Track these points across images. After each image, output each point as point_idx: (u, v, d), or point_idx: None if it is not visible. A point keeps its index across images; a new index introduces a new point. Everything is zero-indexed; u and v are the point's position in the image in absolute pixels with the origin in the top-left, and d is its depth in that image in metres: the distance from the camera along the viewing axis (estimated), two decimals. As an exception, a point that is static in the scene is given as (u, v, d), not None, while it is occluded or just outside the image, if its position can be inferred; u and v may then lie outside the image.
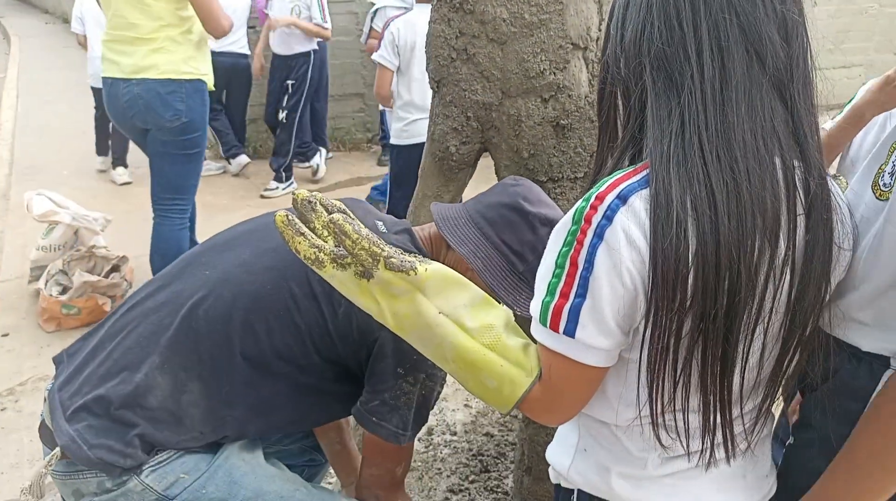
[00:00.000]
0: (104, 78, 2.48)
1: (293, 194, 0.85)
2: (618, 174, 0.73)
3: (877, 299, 0.83)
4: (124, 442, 1.02)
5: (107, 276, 2.91)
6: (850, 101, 1.72)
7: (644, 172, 0.72)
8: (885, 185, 0.87)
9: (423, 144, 1.66)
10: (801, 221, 0.71)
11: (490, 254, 1.15)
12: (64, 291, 2.81)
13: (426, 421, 1.18)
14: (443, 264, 1.02)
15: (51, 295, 2.76)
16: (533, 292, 0.86)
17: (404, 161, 3.15)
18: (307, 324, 1.08)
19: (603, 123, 0.85)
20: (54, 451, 1.03)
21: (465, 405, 2.40)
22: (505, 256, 1.15)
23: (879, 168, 0.90)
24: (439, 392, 1.17)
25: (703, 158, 0.68)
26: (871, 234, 0.84)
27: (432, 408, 1.18)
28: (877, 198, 0.87)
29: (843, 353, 0.86)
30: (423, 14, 2.73)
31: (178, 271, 1.16)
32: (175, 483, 1.04)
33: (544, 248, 0.97)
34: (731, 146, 0.69)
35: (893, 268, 0.80)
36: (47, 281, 2.83)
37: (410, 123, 3.14)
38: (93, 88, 4.85)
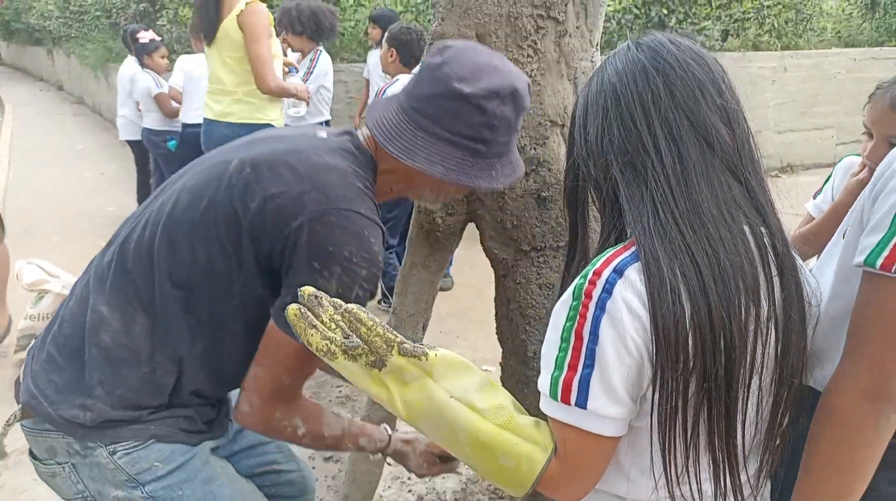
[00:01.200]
0: (205, 118, 3.19)
1: (300, 290, 0.89)
2: (609, 252, 0.79)
3: (825, 332, 0.89)
4: (86, 393, 1.04)
5: (95, 344, 2.89)
6: (829, 178, 1.82)
7: (633, 248, 0.78)
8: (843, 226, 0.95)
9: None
10: (776, 281, 0.79)
11: (447, 153, 1.05)
12: (51, 360, 2.78)
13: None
14: (393, 171, 1.12)
15: (37, 364, 2.73)
16: (504, 161, 1.05)
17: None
18: (226, 230, 1.03)
19: (576, 216, 0.95)
20: (15, 410, 1.09)
21: (456, 472, 2.38)
22: (463, 147, 1.06)
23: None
24: (363, 298, 1.05)
25: (680, 233, 0.76)
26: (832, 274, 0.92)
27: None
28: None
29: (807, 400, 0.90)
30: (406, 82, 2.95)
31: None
32: (147, 470, 1.06)
33: (500, 121, 1.06)
34: (702, 220, 0.76)
35: (841, 302, 0.87)
36: (34, 350, 2.81)
37: None
38: (129, 142, 5.06)
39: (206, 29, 3.02)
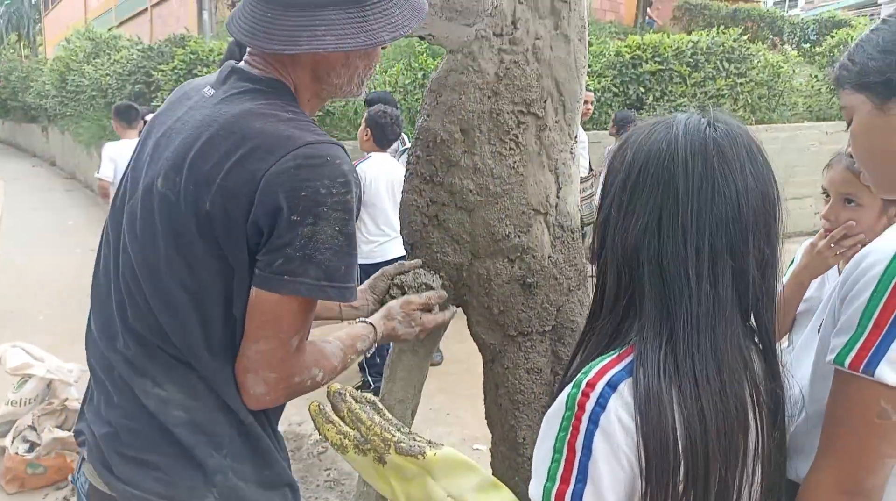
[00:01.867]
0: None
1: (328, 386, 0.91)
2: (603, 361, 0.79)
3: (805, 428, 0.91)
4: (202, 474, 1.00)
5: (77, 429, 2.83)
6: (792, 263, 1.87)
7: (629, 358, 0.78)
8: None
9: (393, 260, 1.75)
10: (768, 430, 0.80)
11: (329, 19, 0.94)
12: (32, 448, 2.72)
13: (350, 275, 0.99)
14: (295, 73, 1.03)
15: (16, 453, 2.67)
16: (397, 2, 0.97)
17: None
18: (205, 247, 0.96)
19: (600, 284, 0.87)
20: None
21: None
22: (343, 3, 0.95)
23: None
24: (351, 234, 0.97)
25: (694, 380, 0.75)
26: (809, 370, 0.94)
27: (352, 256, 0.99)
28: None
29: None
30: (381, 160, 3.57)
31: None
32: None
33: None
34: (719, 369, 0.76)
35: (819, 400, 0.88)
36: (14, 438, 2.75)
37: (380, 245, 3.60)
38: None
39: None
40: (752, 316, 0.81)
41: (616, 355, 0.80)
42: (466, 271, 1.56)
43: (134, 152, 1.12)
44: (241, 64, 1.05)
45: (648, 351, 0.75)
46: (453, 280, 1.59)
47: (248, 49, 1.06)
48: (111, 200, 1.16)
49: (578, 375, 0.78)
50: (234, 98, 1.00)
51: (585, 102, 5.09)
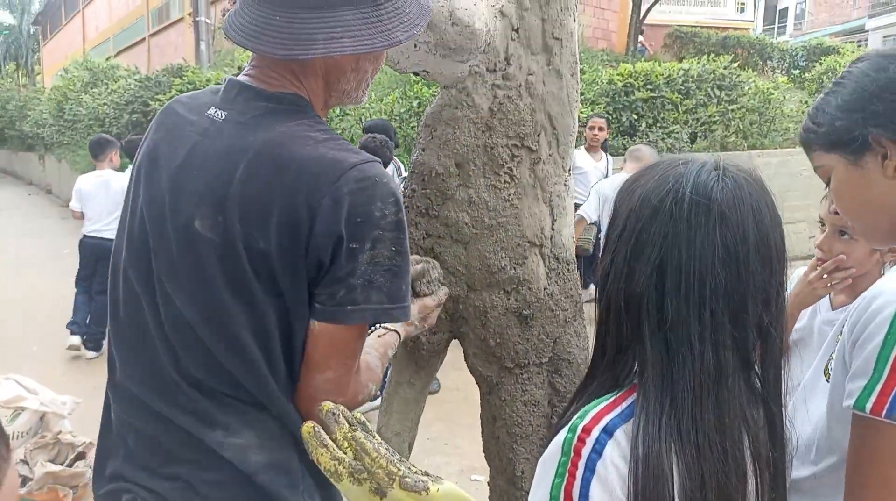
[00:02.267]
0: None
1: (320, 404, 0.88)
2: (599, 405, 0.78)
3: (827, 473, 0.89)
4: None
5: (71, 464, 2.80)
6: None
7: (625, 404, 0.78)
8: (831, 369, 0.97)
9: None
10: (767, 494, 0.79)
11: (344, 20, 0.88)
12: (24, 482, 2.68)
13: (408, 293, 0.97)
14: (310, 82, 0.96)
15: (8, 487, 2.63)
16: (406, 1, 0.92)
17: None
18: (263, 288, 0.92)
19: (602, 331, 0.86)
20: None
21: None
22: (357, 3, 0.89)
23: (830, 356, 1.01)
24: (406, 251, 0.94)
25: (696, 448, 0.74)
26: (822, 413, 0.93)
27: (408, 273, 0.98)
28: (826, 382, 0.97)
29: None
30: None
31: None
32: None
33: None
34: (723, 439, 0.75)
35: (842, 444, 0.87)
36: (6, 472, 2.70)
37: None
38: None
39: None
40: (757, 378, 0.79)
41: (612, 399, 0.79)
42: (463, 304, 1.57)
43: (135, 181, 1.03)
44: (244, 79, 0.98)
45: (650, 413, 0.74)
46: (449, 312, 1.59)
47: (250, 65, 1.00)
48: (116, 238, 1.07)
49: (574, 418, 0.77)
50: (258, 122, 0.93)
51: (599, 128, 5.14)
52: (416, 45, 1.38)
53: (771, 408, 0.79)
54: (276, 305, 0.93)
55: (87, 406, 3.45)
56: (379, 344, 1.18)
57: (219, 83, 1.04)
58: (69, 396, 3.18)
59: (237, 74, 1.05)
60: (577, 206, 4.50)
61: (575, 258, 1.62)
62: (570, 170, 1.60)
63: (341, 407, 0.89)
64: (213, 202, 0.91)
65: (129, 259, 1.00)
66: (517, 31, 1.50)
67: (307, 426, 0.85)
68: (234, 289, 0.92)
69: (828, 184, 0.96)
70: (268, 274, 0.91)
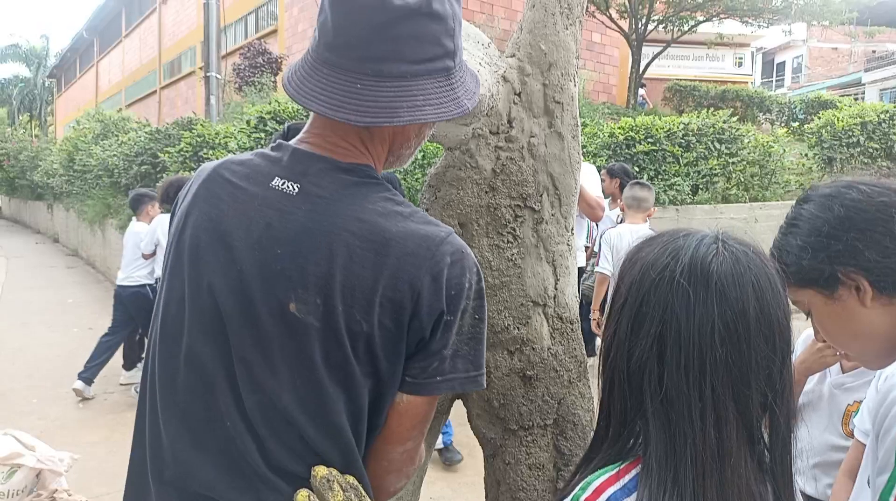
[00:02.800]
0: None
1: (313, 469, 0.87)
2: (602, 477, 0.78)
3: None
4: None
5: (64, 523, 2.73)
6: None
7: (628, 477, 0.77)
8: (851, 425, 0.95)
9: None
10: None
11: (424, 88, 0.87)
12: (15, 542, 2.61)
13: (484, 357, 0.98)
14: (377, 155, 0.93)
15: (0, 548, 2.56)
16: (465, 70, 0.92)
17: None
18: (362, 370, 0.91)
19: (606, 403, 0.85)
20: None
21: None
22: (435, 72, 0.89)
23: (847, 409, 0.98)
24: (485, 317, 0.95)
25: None
26: None
27: (485, 337, 0.98)
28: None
29: None
30: None
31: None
32: None
33: (456, 21, 0.90)
34: None
35: None
36: (-1, 531, 2.64)
37: None
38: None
39: None
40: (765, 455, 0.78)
41: (616, 470, 0.78)
42: (466, 364, 1.55)
43: (191, 255, 0.95)
44: (307, 147, 0.94)
45: (653, 489, 0.73)
46: (453, 372, 1.57)
47: (309, 131, 0.96)
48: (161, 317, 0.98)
49: (576, 490, 0.77)
50: (341, 197, 0.90)
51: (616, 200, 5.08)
52: (420, 109, 1.41)
53: (778, 484, 0.78)
54: (371, 385, 0.91)
55: (85, 463, 3.39)
56: None
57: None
58: (67, 452, 3.13)
59: (284, 137, 1.00)
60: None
61: (578, 318, 1.61)
62: (572, 229, 1.61)
63: (335, 473, 0.88)
64: (310, 285, 0.87)
65: (200, 341, 0.92)
66: (519, 95, 1.54)
67: (301, 495, 0.84)
68: (333, 372, 0.89)
69: (808, 315, 0.96)
70: (368, 356, 0.89)
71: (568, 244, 1.61)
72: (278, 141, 0.97)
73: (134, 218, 5.23)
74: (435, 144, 5.71)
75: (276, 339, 0.89)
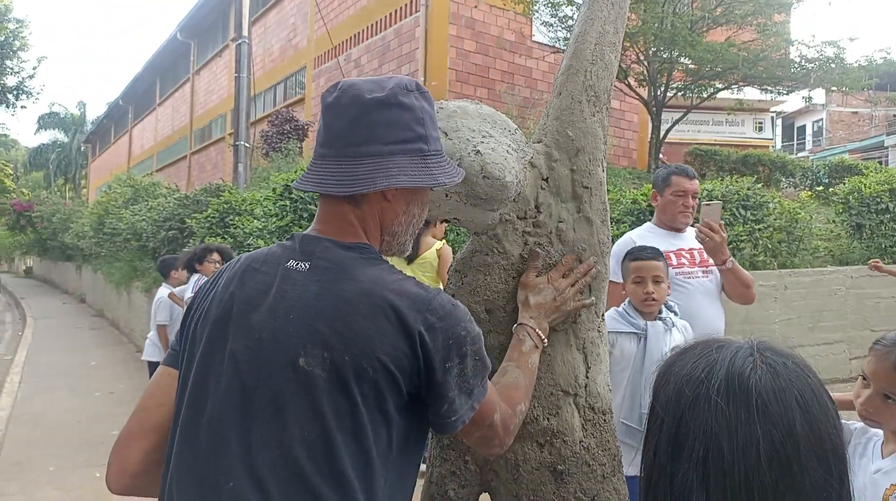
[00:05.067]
0: None
1: None
2: None
3: None
4: None
5: None
6: None
7: None
8: None
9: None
10: None
11: (399, 163, 1.05)
12: None
13: (487, 367, 1.11)
14: (372, 220, 1.09)
15: None
16: (445, 160, 1.11)
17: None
18: (372, 418, 1.02)
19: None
20: None
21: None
22: (409, 152, 1.06)
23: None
24: (484, 355, 1.10)
25: None
26: None
27: (488, 368, 1.12)
28: None
29: None
30: None
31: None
32: None
33: (424, 112, 1.08)
34: None
35: None
36: None
37: None
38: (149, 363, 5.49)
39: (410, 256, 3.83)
40: None
41: None
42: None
43: (214, 332, 1.06)
44: (314, 233, 1.11)
45: None
46: (479, 464, 1.51)
47: (315, 221, 1.13)
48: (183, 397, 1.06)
49: None
50: (344, 270, 1.04)
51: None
52: (447, 195, 1.40)
53: None
54: (386, 431, 1.02)
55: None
56: (516, 354, 1.34)
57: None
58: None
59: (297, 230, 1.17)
60: None
61: (611, 409, 1.55)
62: (602, 315, 1.57)
63: None
64: (317, 341, 0.99)
65: (220, 408, 1.01)
66: (546, 180, 1.53)
67: None
68: (342, 422, 0.98)
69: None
70: (377, 401, 0.99)
71: (598, 331, 1.56)
72: (292, 232, 1.16)
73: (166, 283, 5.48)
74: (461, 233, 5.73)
75: (288, 393, 0.98)
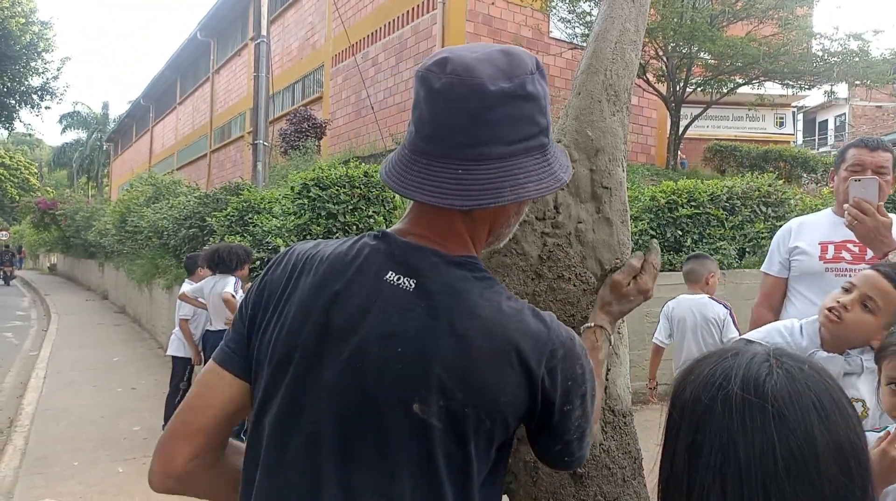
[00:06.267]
0: None
1: None
2: None
3: None
4: None
5: None
6: None
7: None
8: None
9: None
10: None
11: (523, 165, 0.89)
12: None
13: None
14: (478, 239, 0.97)
15: None
16: (555, 144, 0.95)
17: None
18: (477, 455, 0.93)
19: None
20: None
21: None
22: (532, 149, 0.90)
23: None
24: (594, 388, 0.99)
25: None
26: None
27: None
28: None
29: None
30: None
31: None
32: None
33: (546, 98, 0.93)
34: None
35: None
36: None
37: None
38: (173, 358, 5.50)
39: None
40: None
41: None
42: (512, 458, 1.48)
43: (293, 342, 0.94)
44: (414, 240, 0.94)
45: None
46: (498, 466, 1.51)
47: (410, 222, 0.97)
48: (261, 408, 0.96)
49: None
50: (459, 294, 0.90)
51: None
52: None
53: None
54: (483, 472, 0.93)
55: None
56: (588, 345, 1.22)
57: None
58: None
59: (384, 228, 1.01)
60: None
61: (632, 411, 1.54)
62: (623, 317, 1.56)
63: None
64: (432, 386, 0.87)
65: (312, 446, 0.91)
66: (566, 181, 1.52)
67: None
68: (453, 475, 0.89)
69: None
70: (486, 451, 0.91)
71: (619, 332, 1.55)
72: (381, 230, 0.98)
73: (189, 280, 5.56)
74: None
75: (398, 441, 0.88)
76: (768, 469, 0.69)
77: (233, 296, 4.80)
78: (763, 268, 2.56)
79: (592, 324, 1.28)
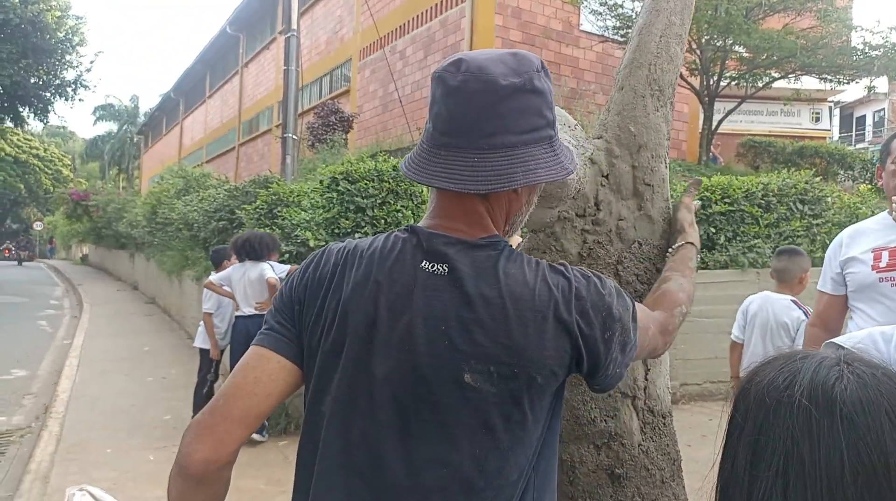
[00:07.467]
0: None
1: None
2: None
3: None
4: None
5: (131, 587, 2.73)
6: None
7: None
8: None
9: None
10: None
11: (533, 154, 0.96)
12: None
13: (629, 307, 1.06)
14: (498, 226, 1.03)
15: None
16: (560, 140, 1.02)
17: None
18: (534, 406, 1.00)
19: None
20: None
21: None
22: (540, 140, 0.98)
23: None
24: (630, 301, 1.06)
25: None
26: None
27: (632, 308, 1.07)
28: None
29: None
30: None
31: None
32: None
33: (551, 94, 1.00)
34: None
35: None
36: None
37: None
38: (201, 350, 5.54)
39: None
40: None
41: None
42: (549, 458, 1.47)
43: (345, 331, 1.01)
44: (442, 231, 1.01)
45: None
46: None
47: (435, 215, 1.04)
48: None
49: None
50: (488, 271, 0.98)
51: None
52: (505, 192, 1.38)
53: None
54: (540, 427, 1.00)
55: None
56: (678, 263, 1.37)
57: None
58: (137, 511, 3.16)
59: (411, 223, 1.10)
60: None
61: (671, 411, 1.51)
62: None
63: None
64: (480, 355, 0.95)
65: (374, 427, 0.98)
66: (607, 177, 1.49)
67: None
68: (512, 433, 0.96)
69: None
70: (541, 403, 0.98)
71: (658, 332, 1.52)
72: (409, 226, 1.07)
73: (216, 271, 5.60)
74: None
75: (454, 411, 0.95)
76: (834, 475, 0.66)
77: (278, 280, 4.88)
78: (818, 285, 2.27)
79: (683, 242, 1.43)
